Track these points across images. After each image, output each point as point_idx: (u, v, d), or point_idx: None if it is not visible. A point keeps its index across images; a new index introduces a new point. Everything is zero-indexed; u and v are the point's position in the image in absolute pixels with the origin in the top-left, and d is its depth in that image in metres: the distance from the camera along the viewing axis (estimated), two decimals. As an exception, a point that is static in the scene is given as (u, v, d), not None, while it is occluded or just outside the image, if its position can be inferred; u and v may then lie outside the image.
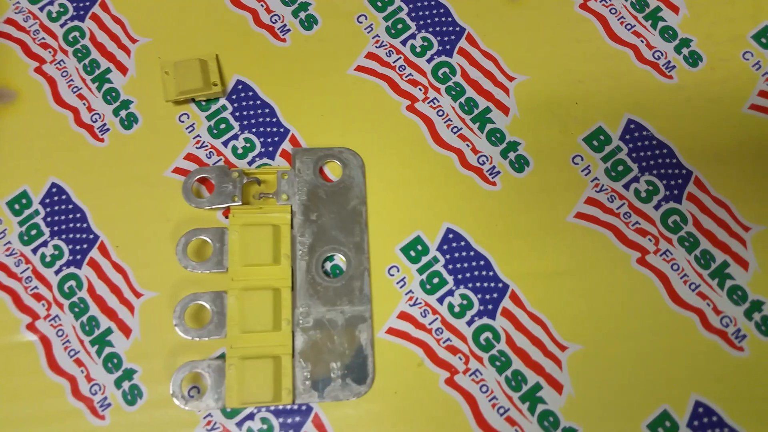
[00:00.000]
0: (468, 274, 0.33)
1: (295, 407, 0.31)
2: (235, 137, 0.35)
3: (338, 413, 0.31)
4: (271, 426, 0.31)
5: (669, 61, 0.36)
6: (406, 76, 0.36)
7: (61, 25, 0.38)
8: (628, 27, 0.37)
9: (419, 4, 0.37)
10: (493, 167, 0.35)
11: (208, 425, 0.31)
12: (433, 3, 0.37)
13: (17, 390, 0.32)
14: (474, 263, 0.33)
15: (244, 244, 0.32)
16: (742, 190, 0.34)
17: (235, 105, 0.36)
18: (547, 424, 0.31)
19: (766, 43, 0.36)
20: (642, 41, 0.37)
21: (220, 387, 0.30)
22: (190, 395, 0.31)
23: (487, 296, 0.33)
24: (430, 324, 0.32)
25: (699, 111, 0.35)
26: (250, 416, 0.31)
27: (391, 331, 0.32)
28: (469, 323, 0.32)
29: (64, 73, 0.37)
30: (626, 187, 0.34)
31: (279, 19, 0.37)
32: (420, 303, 0.33)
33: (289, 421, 0.31)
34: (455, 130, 0.35)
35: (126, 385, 0.32)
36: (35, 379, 0.32)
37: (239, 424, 0.31)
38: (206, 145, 0.35)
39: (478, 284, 0.33)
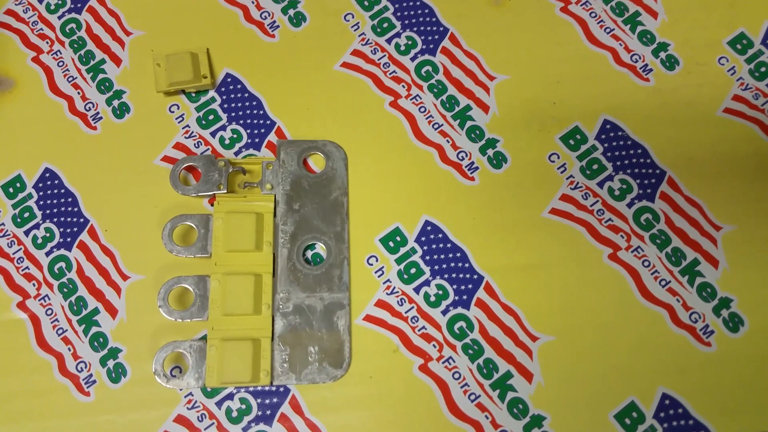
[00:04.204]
0: (444, 266, 0.34)
1: (273, 388, 0.32)
2: (223, 128, 0.37)
3: (315, 395, 0.32)
4: (250, 406, 0.32)
5: (646, 65, 0.37)
6: (390, 74, 0.37)
7: (59, 17, 0.39)
8: (607, 30, 0.38)
9: (405, 4, 0.39)
10: (472, 163, 0.36)
11: (188, 403, 0.32)
12: (418, 3, 0.39)
13: (6, 366, 0.33)
14: (450, 255, 0.34)
15: (228, 231, 0.33)
16: (714, 191, 0.35)
17: (224, 97, 0.37)
18: (516, 411, 0.32)
19: (742, 49, 0.37)
20: (620, 44, 0.38)
21: (201, 367, 0.32)
22: (172, 374, 0.32)
23: (462, 287, 0.34)
24: (406, 312, 0.33)
25: (674, 113, 0.36)
26: (230, 396, 0.32)
27: (369, 318, 0.33)
28: (444, 312, 0.33)
29: (60, 63, 0.38)
30: (600, 185, 0.35)
31: (269, 15, 0.39)
32: (397, 292, 0.34)
33: (267, 401, 0.32)
34: (436, 126, 0.36)
35: (111, 363, 0.33)
36: (24, 355, 0.33)
37: (219, 404, 0.32)
38: (195, 135, 0.36)
39: (453, 275, 0.34)
